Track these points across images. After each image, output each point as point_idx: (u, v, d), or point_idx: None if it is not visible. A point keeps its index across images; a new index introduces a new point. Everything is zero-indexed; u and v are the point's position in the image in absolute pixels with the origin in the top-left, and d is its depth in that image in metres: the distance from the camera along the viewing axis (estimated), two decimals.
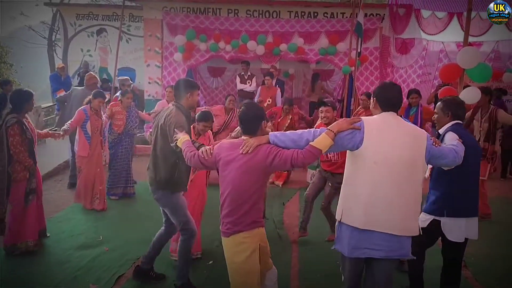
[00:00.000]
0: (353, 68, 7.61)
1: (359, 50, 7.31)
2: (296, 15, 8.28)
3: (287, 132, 2.36)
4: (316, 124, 4.24)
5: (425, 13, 8.48)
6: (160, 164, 3.00)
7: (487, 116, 4.68)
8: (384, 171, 2.16)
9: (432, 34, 8.57)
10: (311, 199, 4.17)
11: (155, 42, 8.36)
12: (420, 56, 8.66)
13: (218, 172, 2.42)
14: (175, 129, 2.75)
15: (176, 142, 2.65)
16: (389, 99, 2.31)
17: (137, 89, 9.32)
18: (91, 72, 6.81)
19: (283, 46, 7.91)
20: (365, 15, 7.73)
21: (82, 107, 4.91)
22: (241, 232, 2.28)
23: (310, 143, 2.20)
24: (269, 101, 7.20)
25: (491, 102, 4.91)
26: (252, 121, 2.37)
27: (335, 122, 2.34)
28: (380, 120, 2.26)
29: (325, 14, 8.33)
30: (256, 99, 7.32)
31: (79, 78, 9.74)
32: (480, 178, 3.85)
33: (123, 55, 9.85)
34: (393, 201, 2.17)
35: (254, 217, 2.31)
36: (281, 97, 7.59)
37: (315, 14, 8.30)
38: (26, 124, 3.75)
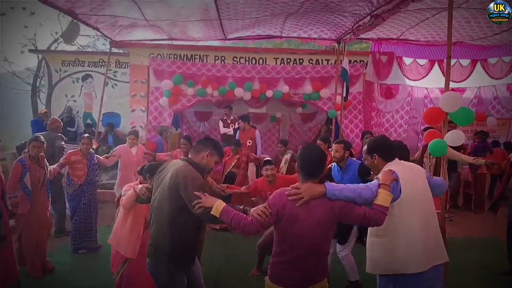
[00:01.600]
0: (339, 112, 7.65)
1: (344, 95, 7.39)
2: (282, 61, 8.44)
3: (341, 187, 2.25)
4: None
5: (407, 60, 8.78)
6: (166, 233, 2.49)
7: None
8: (417, 211, 2.41)
9: (415, 80, 8.84)
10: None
11: (140, 87, 8.32)
12: (405, 102, 8.84)
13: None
14: (195, 193, 2.34)
15: (207, 210, 2.26)
16: (390, 150, 2.59)
17: (121, 133, 9.15)
18: (54, 117, 6.45)
19: (269, 93, 7.96)
20: (349, 61, 7.91)
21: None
22: (319, 283, 2.22)
23: (375, 202, 2.21)
24: (249, 142, 7.09)
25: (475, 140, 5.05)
26: (318, 163, 2.29)
27: (382, 176, 2.36)
28: (398, 168, 2.45)
29: (310, 61, 8.50)
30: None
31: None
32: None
33: (108, 100, 9.79)
34: (430, 232, 2.45)
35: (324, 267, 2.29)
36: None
37: (301, 60, 8.48)
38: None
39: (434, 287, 2.41)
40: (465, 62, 8.74)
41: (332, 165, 4.11)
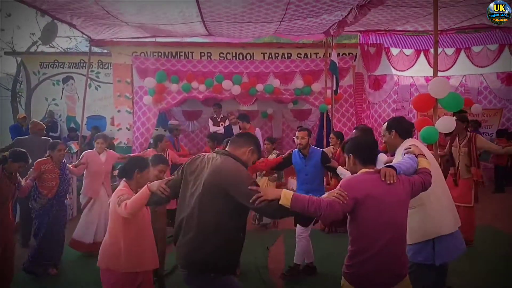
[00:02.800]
0: (330, 106, 7.55)
1: (335, 88, 7.30)
2: (270, 56, 8.26)
3: (398, 165, 2.31)
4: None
5: (394, 51, 8.75)
6: (210, 236, 2.20)
7: (466, 141, 4.91)
8: (438, 180, 2.69)
9: (403, 71, 8.82)
10: None
11: (125, 87, 8.02)
12: (392, 91, 8.82)
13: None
14: (251, 187, 2.11)
15: (272, 203, 2.05)
16: (408, 129, 2.89)
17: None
18: (35, 120, 6.10)
19: (259, 87, 7.76)
20: (338, 54, 7.80)
21: None
22: (405, 277, 2.16)
23: (421, 167, 2.37)
24: None
25: (468, 129, 5.12)
26: (373, 147, 2.36)
27: (414, 148, 2.51)
28: (417, 144, 2.73)
29: (299, 55, 8.36)
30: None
31: None
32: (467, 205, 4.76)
33: (92, 102, 9.48)
34: (450, 198, 2.89)
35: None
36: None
37: (289, 55, 8.32)
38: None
39: (462, 244, 2.78)
40: (450, 51, 8.79)
41: (292, 152, 4.27)
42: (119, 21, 5.76)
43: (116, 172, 2.95)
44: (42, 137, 5.48)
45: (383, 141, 3.06)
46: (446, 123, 3.67)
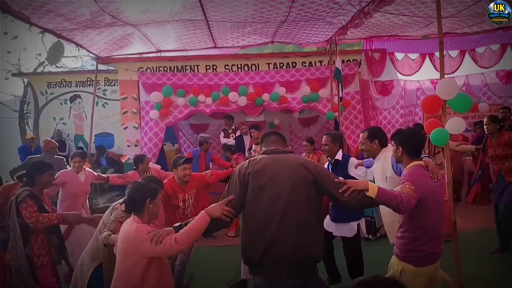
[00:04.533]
0: (337, 113, 7.53)
1: (340, 95, 7.29)
2: (275, 66, 8.28)
3: None
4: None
5: (399, 56, 8.73)
6: (314, 232, 2.22)
7: (501, 141, 4.73)
8: None
9: (409, 75, 8.80)
10: None
11: (132, 103, 8.04)
12: (400, 96, 8.77)
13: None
14: (337, 180, 2.25)
15: (362, 193, 2.16)
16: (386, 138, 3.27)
17: (115, 154, 8.88)
18: (48, 138, 6.05)
19: (265, 96, 7.76)
20: (342, 61, 7.80)
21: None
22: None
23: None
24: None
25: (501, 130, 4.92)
26: (422, 141, 2.82)
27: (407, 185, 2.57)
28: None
29: (303, 64, 8.36)
30: (246, 152, 7.07)
31: None
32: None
33: (100, 120, 9.54)
34: None
35: None
36: None
37: (294, 64, 8.33)
38: (44, 203, 3.11)
39: None
40: (454, 53, 8.77)
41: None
42: (123, 26, 5.62)
43: (122, 207, 2.51)
44: (55, 155, 5.49)
45: (360, 148, 3.36)
46: (456, 124, 3.64)
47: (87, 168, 4.84)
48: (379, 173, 3.20)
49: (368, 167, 3.71)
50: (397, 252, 2.54)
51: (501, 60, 8.57)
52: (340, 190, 2.17)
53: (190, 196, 4.04)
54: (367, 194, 2.14)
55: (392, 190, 2.28)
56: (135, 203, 2.41)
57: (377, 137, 3.15)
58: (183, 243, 2.15)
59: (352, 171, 3.82)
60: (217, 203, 2.25)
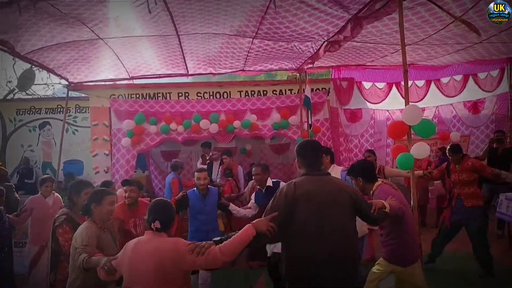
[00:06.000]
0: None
1: (310, 122, 7.46)
2: (247, 94, 8.45)
3: None
4: None
5: (367, 85, 9.07)
6: (355, 248, 2.46)
7: (465, 167, 4.98)
8: None
9: (376, 103, 9.11)
10: None
11: (102, 130, 7.98)
12: (369, 125, 9.04)
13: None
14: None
15: (381, 210, 2.63)
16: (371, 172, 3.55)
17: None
18: None
19: (236, 123, 7.87)
20: (312, 89, 8.04)
21: None
22: None
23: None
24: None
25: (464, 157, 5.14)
26: (373, 168, 3.66)
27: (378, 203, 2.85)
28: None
29: (274, 92, 8.57)
30: (218, 180, 7.13)
31: (18, 176, 8.98)
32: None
33: (69, 147, 9.39)
34: None
35: None
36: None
37: (265, 92, 8.53)
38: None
39: None
40: (420, 83, 9.18)
41: (186, 193, 4.29)
42: (93, 44, 5.48)
43: (157, 224, 2.32)
44: (6, 183, 5.33)
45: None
46: (420, 148, 3.78)
47: (55, 193, 4.88)
48: None
49: None
50: (386, 257, 3.21)
51: (467, 91, 8.94)
52: (372, 210, 2.55)
53: (140, 223, 3.99)
54: (385, 210, 2.62)
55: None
56: (166, 222, 2.38)
57: (329, 153, 3.97)
58: (228, 255, 2.15)
59: None
60: (263, 218, 2.31)
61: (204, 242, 2.21)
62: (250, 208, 4.42)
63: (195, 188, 4.31)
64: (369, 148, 8.82)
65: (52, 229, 3.09)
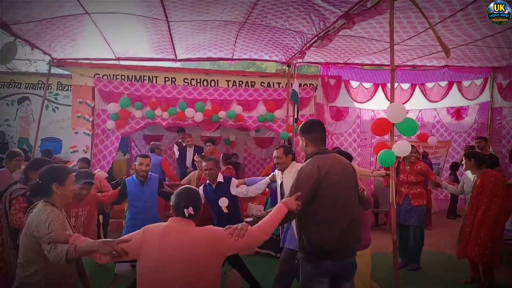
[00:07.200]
0: (291, 134, 7.71)
1: (296, 116, 7.48)
2: (234, 84, 8.38)
3: None
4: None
5: (354, 84, 9.13)
6: (358, 225, 2.78)
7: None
8: None
9: (362, 103, 9.19)
10: None
11: (85, 108, 7.78)
12: (356, 125, 9.11)
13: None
14: None
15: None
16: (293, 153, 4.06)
17: (61, 160, 8.48)
18: None
19: (222, 113, 7.82)
20: (300, 84, 8.04)
21: None
22: None
23: None
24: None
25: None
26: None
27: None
28: None
29: (262, 84, 8.54)
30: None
31: None
32: None
33: (48, 124, 9.16)
34: None
35: None
36: None
37: (252, 83, 8.48)
38: None
39: None
40: (406, 86, 9.31)
41: (125, 180, 4.27)
42: (79, 20, 5.28)
43: (191, 210, 2.22)
44: None
45: (276, 162, 3.85)
46: (402, 146, 3.80)
47: (23, 167, 4.56)
48: (290, 182, 3.34)
49: (249, 185, 4.33)
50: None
51: (451, 97, 9.09)
52: (359, 190, 2.87)
53: (83, 213, 3.75)
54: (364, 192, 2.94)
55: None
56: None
57: (290, 152, 3.88)
58: (267, 232, 2.27)
59: (233, 190, 4.31)
60: (290, 197, 2.52)
61: (240, 224, 2.20)
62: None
63: (134, 175, 4.19)
64: (358, 148, 8.96)
65: (4, 203, 2.82)
